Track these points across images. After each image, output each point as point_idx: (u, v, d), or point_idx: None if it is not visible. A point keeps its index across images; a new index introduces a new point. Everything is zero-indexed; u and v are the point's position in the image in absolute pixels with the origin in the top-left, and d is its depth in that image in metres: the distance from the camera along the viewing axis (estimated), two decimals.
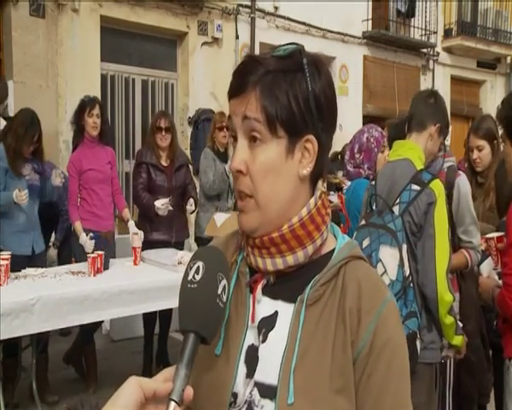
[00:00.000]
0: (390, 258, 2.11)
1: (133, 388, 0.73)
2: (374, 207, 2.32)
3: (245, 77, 0.87)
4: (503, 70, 12.70)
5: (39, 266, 3.83)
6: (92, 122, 4.15)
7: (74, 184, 4.16)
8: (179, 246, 4.49)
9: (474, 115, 9.86)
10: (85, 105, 4.18)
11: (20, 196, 3.70)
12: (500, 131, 2.25)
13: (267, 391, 0.87)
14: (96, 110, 4.15)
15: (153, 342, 4.50)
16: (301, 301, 0.89)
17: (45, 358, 3.90)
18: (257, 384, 0.88)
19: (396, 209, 2.23)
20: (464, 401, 2.87)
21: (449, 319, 2.20)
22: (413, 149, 2.33)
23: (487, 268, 2.33)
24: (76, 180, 4.15)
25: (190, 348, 0.76)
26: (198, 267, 0.80)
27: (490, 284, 2.24)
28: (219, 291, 0.80)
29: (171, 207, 4.30)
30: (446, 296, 2.16)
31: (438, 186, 2.19)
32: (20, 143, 3.84)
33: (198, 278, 0.79)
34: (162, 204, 4.24)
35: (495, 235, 2.33)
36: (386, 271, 2.10)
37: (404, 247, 2.14)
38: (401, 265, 2.10)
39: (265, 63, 0.87)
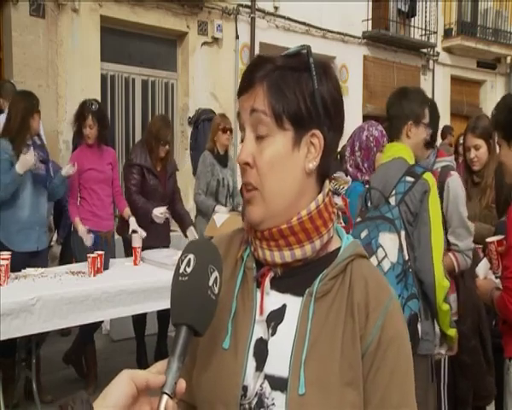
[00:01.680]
0: (390, 242, 2.15)
1: (124, 382, 0.72)
2: (369, 205, 2.34)
3: (253, 74, 0.90)
4: (503, 70, 12.71)
5: (42, 264, 3.81)
6: (85, 133, 4.13)
7: (75, 182, 4.16)
8: None
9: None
10: (82, 112, 4.15)
11: (25, 159, 3.57)
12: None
13: (278, 383, 0.88)
14: (89, 121, 4.10)
15: (144, 343, 4.51)
16: (310, 294, 0.90)
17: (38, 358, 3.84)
18: (267, 377, 0.89)
19: (392, 200, 2.27)
20: (458, 402, 2.87)
21: (445, 306, 2.24)
22: (403, 149, 2.40)
23: (484, 270, 2.32)
24: (77, 178, 4.15)
25: (182, 341, 0.76)
26: (189, 260, 0.81)
27: (488, 286, 2.23)
28: (211, 283, 0.80)
29: (168, 216, 4.28)
30: (444, 282, 2.20)
31: (430, 177, 2.26)
32: (25, 122, 3.72)
33: (189, 270, 0.80)
34: (161, 213, 4.21)
35: (495, 239, 2.33)
36: (386, 254, 2.13)
37: (403, 233, 2.18)
38: (400, 249, 2.14)
39: (273, 61, 0.90)
